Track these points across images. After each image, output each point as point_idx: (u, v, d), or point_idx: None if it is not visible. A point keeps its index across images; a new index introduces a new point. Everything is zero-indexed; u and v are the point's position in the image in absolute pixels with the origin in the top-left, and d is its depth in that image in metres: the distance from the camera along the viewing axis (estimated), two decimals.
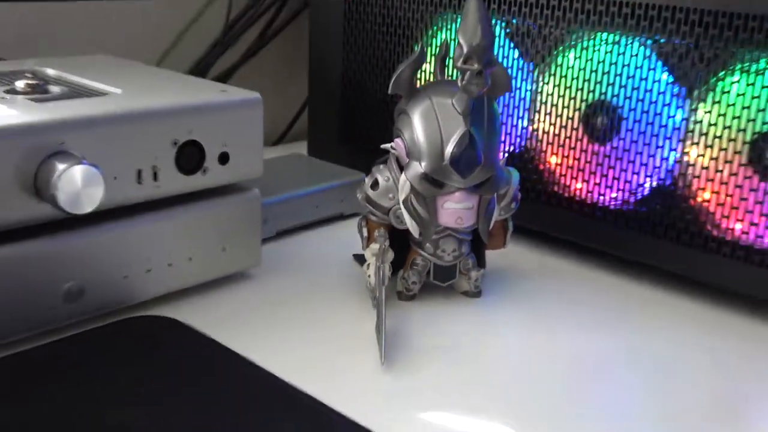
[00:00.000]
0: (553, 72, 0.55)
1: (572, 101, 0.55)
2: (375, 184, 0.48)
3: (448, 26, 0.60)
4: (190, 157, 0.45)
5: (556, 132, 0.56)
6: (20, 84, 0.45)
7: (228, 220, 0.48)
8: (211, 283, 0.49)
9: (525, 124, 0.58)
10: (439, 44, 0.61)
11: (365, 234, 0.49)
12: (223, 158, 0.47)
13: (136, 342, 0.41)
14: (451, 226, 0.47)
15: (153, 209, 0.45)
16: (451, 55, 0.46)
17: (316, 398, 0.37)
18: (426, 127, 0.45)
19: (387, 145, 0.48)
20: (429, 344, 0.45)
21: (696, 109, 0.49)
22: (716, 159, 0.49)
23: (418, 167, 0.45)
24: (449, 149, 0.45)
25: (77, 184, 0.39)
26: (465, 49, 0.42)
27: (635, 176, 0.53)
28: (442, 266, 0.49)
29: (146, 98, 0.44)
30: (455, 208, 0.46)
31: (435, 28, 0.61)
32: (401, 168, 0.46)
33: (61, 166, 0.38)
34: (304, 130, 0.78)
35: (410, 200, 0.46)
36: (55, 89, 0.46)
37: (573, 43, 0.54)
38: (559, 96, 0.55)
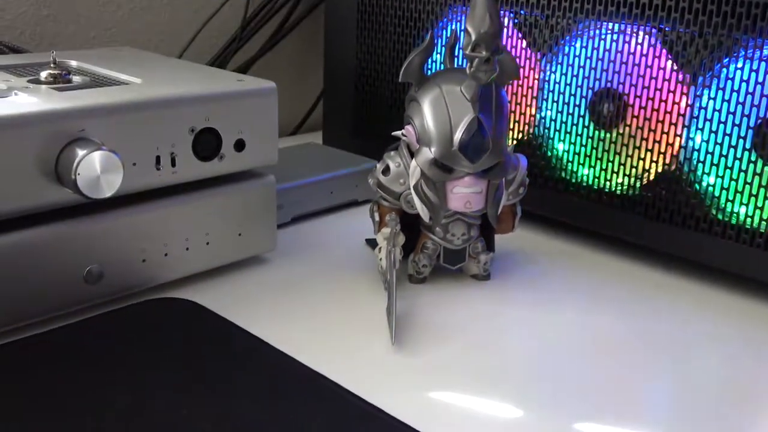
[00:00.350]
0: (560, 61, 0.55)
1: (579, 89, 0.54)
2: (386, 170, 0.47)
3: (458, 18, 0.60)
4: (207, 144, 0.45)
5: (564, 119, 0.55)
6: (44, 74, 0.45)
7: (244, 205, 0.48)
8: (227, 267, 0.49)
9: (533, 112, 0.57)
10: (448, 35, 0.60)
11: (377, 219, 0.49)
12: (239, 145, 0.46)
13: (155, 323, 0.41)
14: (461, 211, 0.46)
15: (171, 195, 0.45)
16: (460, 44, 0.46)
17: (337, 383, 0.36)
18: (435, 114, 0.45)
19: (398, 132, 0.47)
20: (439, 326, 0.44)
21: (700, 96, 0.48)
22: (720, 144, 0.48)
23: (428, 153, 0.45)
24: (458, 135, 0.44)
25: (97, 170, 0.39)
26: (473, 37, 0.42)
27: (641, 162, 0.52)
28: (452, 250, 0.48)
29: (165, 87, 0.44)
30: (464, 193, 0.45)
31: (445, 20, 0.61)
32: (412, 154, 0.46)
33: (81, 152, 0.38)
34: (320, 121, 0.77)
35: (420, 185, 0.45)
36: (77, 79, 0.46)
37: (579, 32, 0.53)
38: (566, 84, 0.55)
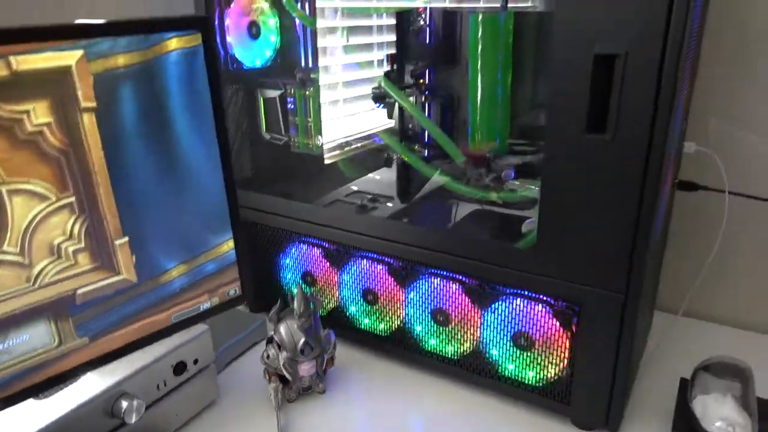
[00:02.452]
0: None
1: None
2: (268, 357, 0.77)
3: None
4: (180, 367, 0.71)
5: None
6: None
7: (200, 388, 0.75)
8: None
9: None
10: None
11: (267, 376, 0.78)
12: (195, 361, 0.73)
13: None
14: (305, 375, 0.77)
15: (164, 397, 0.71)
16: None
17: None
18: (287, 339, 0.75)
19: (271, 334, 0.77)
20: (304, 424, 0.73)
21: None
22: None
23: (286, 353, 0.75)
24: (299, 348, 0.74)
25: (134, 412, 0.65)
26: (298, 312, 0.73)
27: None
28: (305, 386, 0.79)
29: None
30: (306, 368, 0.76)
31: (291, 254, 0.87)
32: (280, 346, 0.76)
33: (125, 404, 0.65)
34: None
35: (285, 366, 0.75)
36: None
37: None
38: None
